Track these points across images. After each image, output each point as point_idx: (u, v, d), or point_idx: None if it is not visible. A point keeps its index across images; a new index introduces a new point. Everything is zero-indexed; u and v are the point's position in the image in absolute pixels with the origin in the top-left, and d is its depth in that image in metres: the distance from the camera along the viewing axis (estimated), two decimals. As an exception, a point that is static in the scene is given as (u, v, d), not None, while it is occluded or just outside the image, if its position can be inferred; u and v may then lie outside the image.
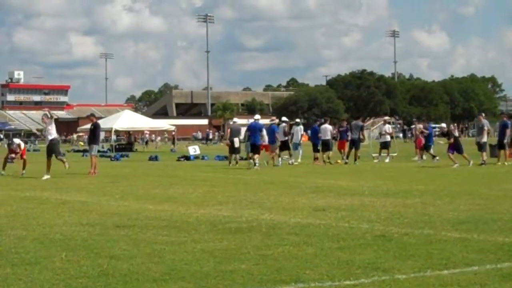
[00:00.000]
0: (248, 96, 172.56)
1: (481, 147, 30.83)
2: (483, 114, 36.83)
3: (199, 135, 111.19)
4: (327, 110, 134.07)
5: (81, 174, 26.60)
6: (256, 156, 30.67)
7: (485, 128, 31.51)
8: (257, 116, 33.45)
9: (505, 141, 31.39)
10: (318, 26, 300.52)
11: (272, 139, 33.04)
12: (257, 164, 30.07)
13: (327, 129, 34.32)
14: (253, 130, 32.22)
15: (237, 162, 32.94)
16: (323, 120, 37.21)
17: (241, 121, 42.81)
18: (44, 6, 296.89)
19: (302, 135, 37.33)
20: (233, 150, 33.67)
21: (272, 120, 36.66)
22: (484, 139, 30.99)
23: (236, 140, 33.64)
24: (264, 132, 33.27)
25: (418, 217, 13.06)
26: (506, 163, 30.19)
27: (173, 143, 75.98)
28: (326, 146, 33.99)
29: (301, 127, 37.21)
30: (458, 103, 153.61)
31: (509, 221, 12.39)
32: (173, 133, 78.19)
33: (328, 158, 33.62)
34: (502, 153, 31.32)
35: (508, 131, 31.34)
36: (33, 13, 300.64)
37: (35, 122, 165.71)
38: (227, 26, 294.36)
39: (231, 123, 36.25)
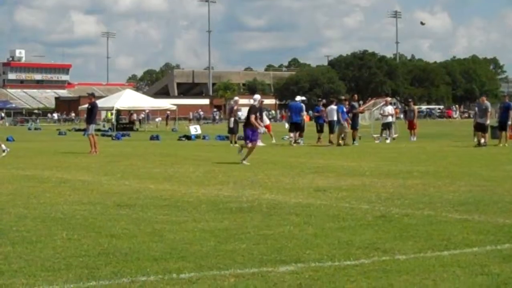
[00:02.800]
0: (250, 76, 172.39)
1: (484, 128, 30.75)
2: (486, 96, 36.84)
3: (201, 114, 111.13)
4: (328, 91, 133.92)
5: (82, 153, 26.61)
6: (298, 134, 32.92)
7: (489, 110, 31.46)
8: (298, 98, 34.64)
9: (509, 122, 31.42)
10: (320, 6, 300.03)
11: (339, 119, 33.30)
12: (301, 142, 32.12)
13: (333, 110, 34.28)
14: (294, 110, 33.02)
15: (235, 142, 33.00)
16: (324, 101, 37.23)
17: (242, 101, 42.84)
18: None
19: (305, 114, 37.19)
20: (231, 130, 33.92)
21: (344, 99, 36.89)
22: (488, 121, 30.93)
23: (231, 120, 33.80)
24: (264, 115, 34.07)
25: (418, 198, 13.06)
26: (506, 145, 30.21)
27: (167, 123, 76.07)
28: (332, 127, 33.94)
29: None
30: (460, 84, 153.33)
31: (509, 202, 12.39)
32: (168, 112, 78.26)
33: (340, 138, 33.53)
34: (503, 134, 31.38)
35: (511, 113, 31.34)
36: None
37: (36, 100, 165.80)
38: (228, 5, 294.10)
39: (232, 102, 36.30)
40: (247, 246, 8.58)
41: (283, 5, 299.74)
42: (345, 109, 33.56)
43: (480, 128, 30.72)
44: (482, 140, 30.26)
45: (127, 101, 62.81)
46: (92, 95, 29.20)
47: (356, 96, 37.43)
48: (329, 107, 34.71)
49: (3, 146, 24.42)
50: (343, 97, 38.46)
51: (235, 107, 35.30)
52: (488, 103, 31.80)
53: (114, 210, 11.65)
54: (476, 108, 33.29)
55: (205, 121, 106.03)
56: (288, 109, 33.32)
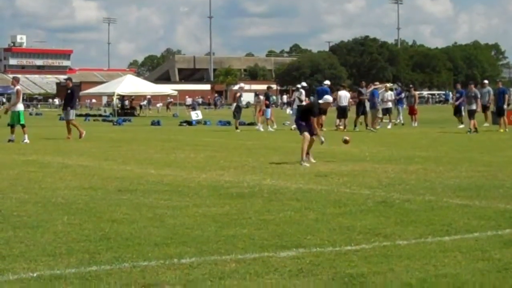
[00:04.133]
0: (251, 61, 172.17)
1: (471, 114, 30.56)
2: (486, 81, 37.06)
3: (199, 101, 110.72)
4: (329, 77, 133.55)
5: (83, 139, 26.54)
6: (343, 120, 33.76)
7: (478, 96, 31.56)
8: (327, 82, 34.90)
9: (505, 106, 31.78)
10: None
11: (373, 104, 33.62)
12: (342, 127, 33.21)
13: (344, 96, 34.32)
14: (322, 94, 33.12)
15: (236, 127, 33.14)
16: (339, 87, 37.39)
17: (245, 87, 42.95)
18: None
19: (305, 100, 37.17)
20: (235, 115, 34.06)
21: (375, 85, 37.04)
22: (474, 106, 30.87)
23: (233, 105, 33.91)
24: (262, 98, 34.60)
25: (419, 183, 13.07)
26: (507, 130, 30.24)
27: (168, 109, 76.01)
28: (343, 112, 33.94)
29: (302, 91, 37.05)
30: (461, 70, 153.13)
31: (510, 188, 12.39)
32: (169, 99, 78.08)
33: (345, 126, 33.55)
34: (502, 120, 31.54)
35: (507, 97, 31.78)
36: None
37: (37, 86, 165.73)
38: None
39: (237, 88, 36.32)
40: (248, 231, 8.59)
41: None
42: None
43: (469, 114, 30.59)
44: (472, 124, 30.02)
45: (128, 87, 62.76)
46: (69, 80, 28.80)
47: (363, 83, 37.34)
48: (340, 92, 34.75)
49: (26, 137, 24.32)
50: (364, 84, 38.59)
51: (238, 94, 35.40)
52: (476, 90, 31.96)
53: (115, 195, 11.65)
54: (464, 95, 33.59)
55: (207, 106, 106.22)
56: (315, 94, 33.44)
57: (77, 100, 27.79)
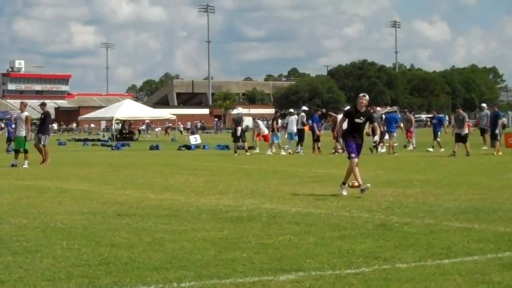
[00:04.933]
0: (249, 86, 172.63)
1: (463, 138, 30.40)
2: (484, 105, 37.29)
3: (198, 126, 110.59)
4: (328, 100, 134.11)
5: (82, 164, 26.56)
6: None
7: (466, 120, 31.74)
8: (390, 108, 36.09)
9: (497, 131, 32.06)
10: (320, 16, 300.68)
11: (392, 128, 34.06)
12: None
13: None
14: (390, 121, 34.15)
15: (246, 151, 33.27)
16: (324, 110, 37.50)
17: (244, 111, 42.98)
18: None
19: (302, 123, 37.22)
20: (236, 138, 33.95)
21: (392, 108, 37.46)
22: (466, 131, 30.90)
23: (238, 129, 33.84)
24: (261, 123, 34.77)
25: (418, 206, 13.06)
26: (500, 153, 30.50)
27: (166, 133, 76.13)
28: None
29: (295, 117, 37.13)
30: (459, 93, 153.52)
31: (509, 210, 12.39)
32: (168, 124, 78.25)
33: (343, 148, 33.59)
34: (495, 144, 31.87)
35: (500, 121, 32.11)
36: (33, 2, 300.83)
37: (36, 111, 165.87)
38: (227, 16, 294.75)
39: (235, 112, 36.37)
40: (248, 255, 8.57)
41: (283, 15, 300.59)
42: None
43: (458, 138, 30.39)
44: (456, 148, 29.88)
45: (126, 111, 62.84)
46: (43, 105, 28.55)
47: (374, 107, 37.70)
48: (339, 116, 34.84)
49: (26, 163, 24.29)
50: (390, 107, 39.19)
51: (243, 117, 35.58)
52: (464, 114, 32.22)
53: (114, 220, 11.64)
54: (454, 119, 33.85)
55: (207, 130, 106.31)
56: (384, 121, 33.94)
57: (49, 125, 26.71)
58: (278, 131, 35.46)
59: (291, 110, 39.42)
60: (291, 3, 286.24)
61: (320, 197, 14.62)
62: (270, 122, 35.82)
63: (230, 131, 41.58)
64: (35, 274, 7.65)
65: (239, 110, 36.47)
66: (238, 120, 34.40)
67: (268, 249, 8.95)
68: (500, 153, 30.58)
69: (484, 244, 9.24)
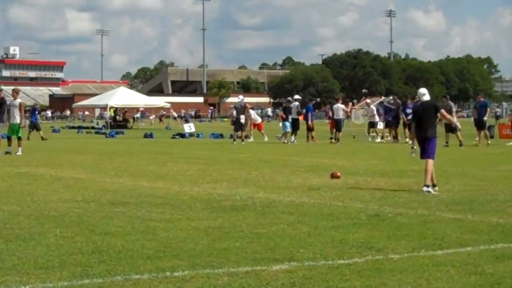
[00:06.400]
0: (244, 74, 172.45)
1: (452, 129, 30.23)
2: (481, 94, 37.50)
3: (191, 114, 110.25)
4: (322, 90, 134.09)
5: (76, 151, 26.51)
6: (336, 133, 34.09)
7: (453, 110, 31.76)
8: (297, 96, 36.50)
9: (485, 118, 31.96)
10: (314, 4, 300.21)
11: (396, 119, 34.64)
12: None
13: (339, 108, 34.36)
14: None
15: (243, 140, 33.10)
16: (318, 100, 37.42)
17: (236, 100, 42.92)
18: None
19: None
20: (239, 126, 33.68)
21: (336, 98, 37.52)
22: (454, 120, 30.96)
23: (242, 117, 33.71)
24: (253, 112, 34.91)
25: (412, 197, 13.07)
26: (489, 143, 30.61)
27: (161, 121, 75.99)
28: (338, 125, 33.95)
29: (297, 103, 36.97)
30: (454, 83, 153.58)
31: (503, 202, 12.42)
32: (163, 112, 78.13)
33: (338, 138, 33.51)
34: (482, 133, 31.41)
35: (488, 110, 32.45)
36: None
37: (30, 97, 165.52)
38: (223, 3, 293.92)
39: (237, 100, 36.09)
40: (241, 245, 8.58)
41: (277, 3, 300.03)
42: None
43: (447, 128, 30.26)
44: (448, 139, 29.90)
45: (121, 99, 62.74)
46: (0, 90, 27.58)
47: (395, 97, 37.80)
48: (335, 105, 34.83)
49: (20, 150, 24.11)
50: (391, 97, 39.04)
51: (247, 105, 35.46)
52: (451, 103, 32.08)
53: (108, 208, 11.63)
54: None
55: (201, 119, 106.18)
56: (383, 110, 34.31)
57: (4, 112, 24.75)
58: (285, 120, 35.12)
59: (289, 98, 39.31)
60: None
61: (314, 187, 14.63)
62: (271, 111, 35.83)
63: (230, 119, 41.37)
64: (28, 262, 7.64)
65: (241, 98, 36.30)
66: (240, 108, 34.24)
67: (261, 239, 8.96)
68: (489, 142, 30.56)
69: (477, 235, 9.26)
